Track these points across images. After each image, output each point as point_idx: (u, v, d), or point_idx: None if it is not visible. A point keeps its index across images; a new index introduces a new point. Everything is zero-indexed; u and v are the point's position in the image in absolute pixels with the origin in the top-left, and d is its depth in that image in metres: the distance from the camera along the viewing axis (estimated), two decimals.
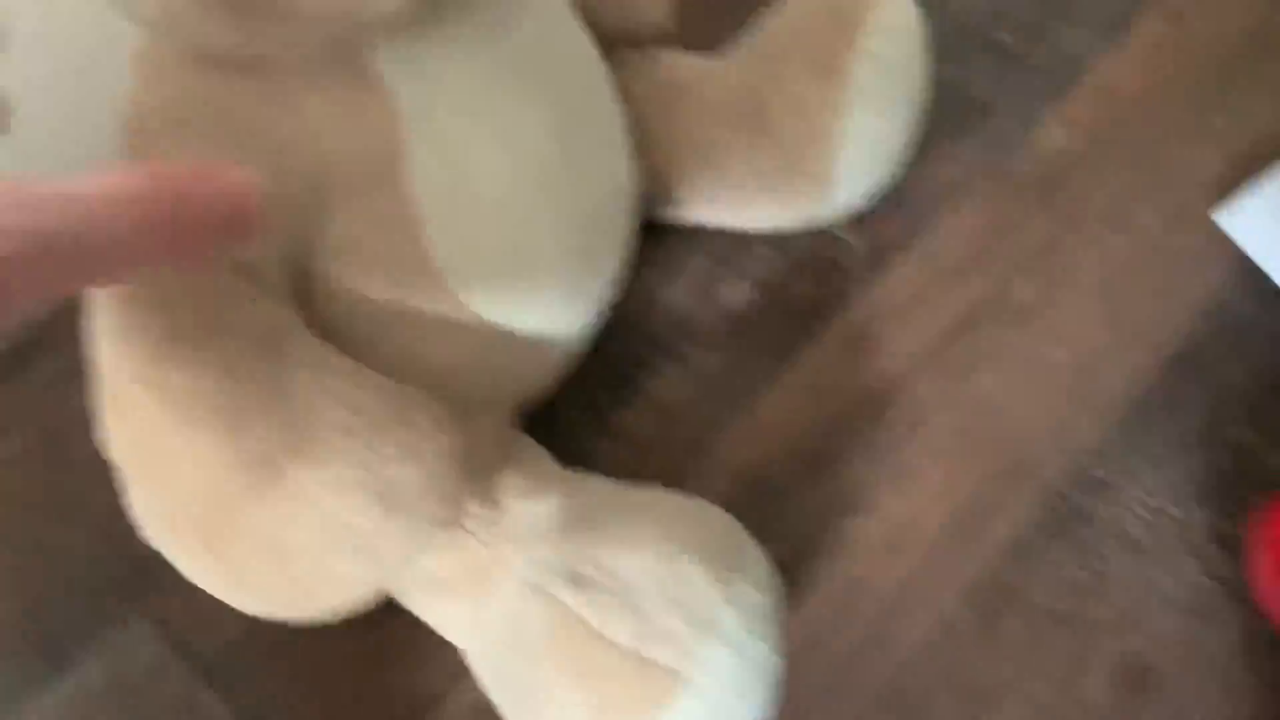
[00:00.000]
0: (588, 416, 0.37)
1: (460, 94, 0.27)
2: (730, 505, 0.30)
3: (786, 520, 0.35)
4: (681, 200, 0.39)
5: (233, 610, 0.29)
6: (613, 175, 0.33)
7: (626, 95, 0.37)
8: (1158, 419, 0.36)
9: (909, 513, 0.35)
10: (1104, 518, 0.34)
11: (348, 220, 0.27)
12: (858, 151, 0.37)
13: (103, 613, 0.34)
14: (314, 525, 0.25)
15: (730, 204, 0.39)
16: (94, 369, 0.26)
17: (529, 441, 0.33)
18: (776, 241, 0.40)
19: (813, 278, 0.40)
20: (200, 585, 0.27)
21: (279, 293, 0.27)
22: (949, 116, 0.43)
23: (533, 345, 0.32)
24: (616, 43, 0.38)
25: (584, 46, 0.33)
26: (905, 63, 0.36)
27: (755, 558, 0.28)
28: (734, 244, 0.40)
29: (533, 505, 0.29)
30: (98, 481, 0.28)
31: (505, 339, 0.31)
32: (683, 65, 0.39)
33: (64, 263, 0.14)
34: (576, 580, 0.27)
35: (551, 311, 0.32)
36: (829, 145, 0.36)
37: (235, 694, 0.33)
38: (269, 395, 0.25)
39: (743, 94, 0.37)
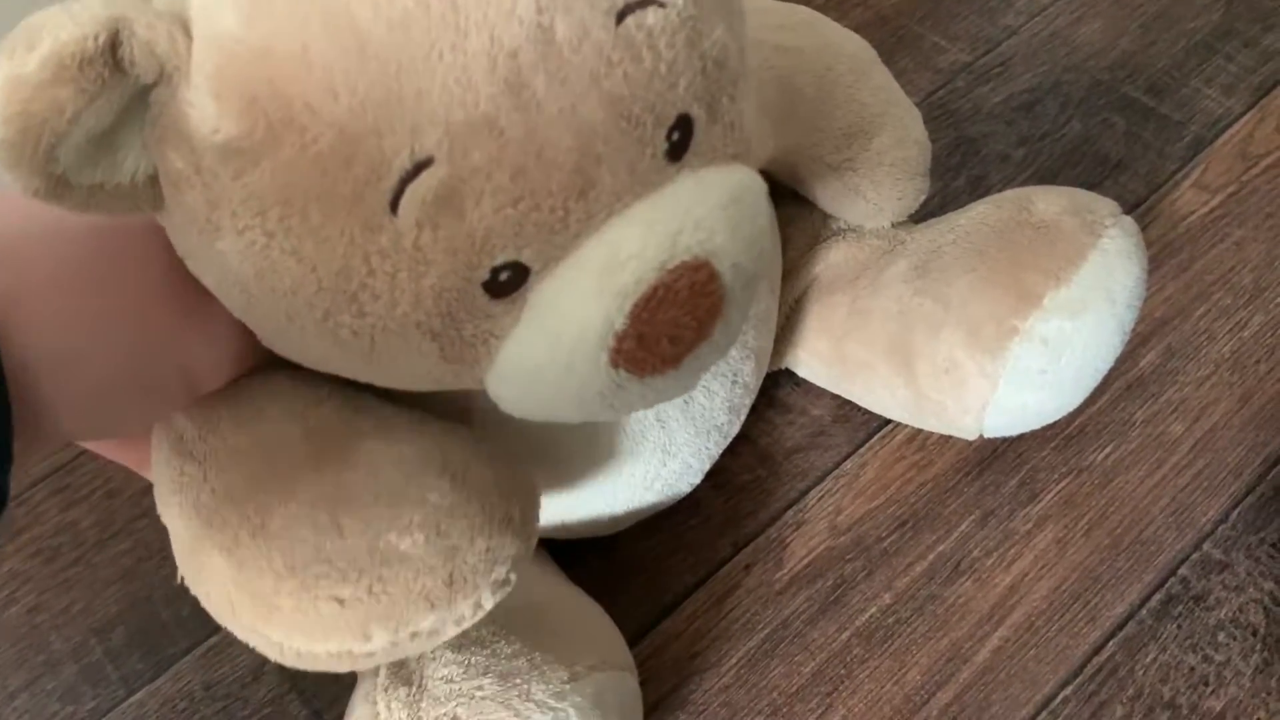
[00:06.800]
0: None
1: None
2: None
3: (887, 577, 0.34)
4: (802, 371, 0.38)
5: None
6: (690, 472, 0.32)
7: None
8: None
9: (1013, 581, 0.34)
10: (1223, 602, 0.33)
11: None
12: (1006, 419, 0.33)
13: (206, 617, 0.35)
14: None
15: (861, 400, 0.37)
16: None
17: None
18: None
19: None
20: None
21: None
22: (1077, 175, 0.42)
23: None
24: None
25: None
26: (1083, 349, 0.31)
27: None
28: None
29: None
30: None
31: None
32: (853, 249, 0.36)
33: None
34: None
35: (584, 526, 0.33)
36: (976, 411, 0.32)
37: (319, 701, 0.33)
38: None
39: (896, 329, 0.33)
